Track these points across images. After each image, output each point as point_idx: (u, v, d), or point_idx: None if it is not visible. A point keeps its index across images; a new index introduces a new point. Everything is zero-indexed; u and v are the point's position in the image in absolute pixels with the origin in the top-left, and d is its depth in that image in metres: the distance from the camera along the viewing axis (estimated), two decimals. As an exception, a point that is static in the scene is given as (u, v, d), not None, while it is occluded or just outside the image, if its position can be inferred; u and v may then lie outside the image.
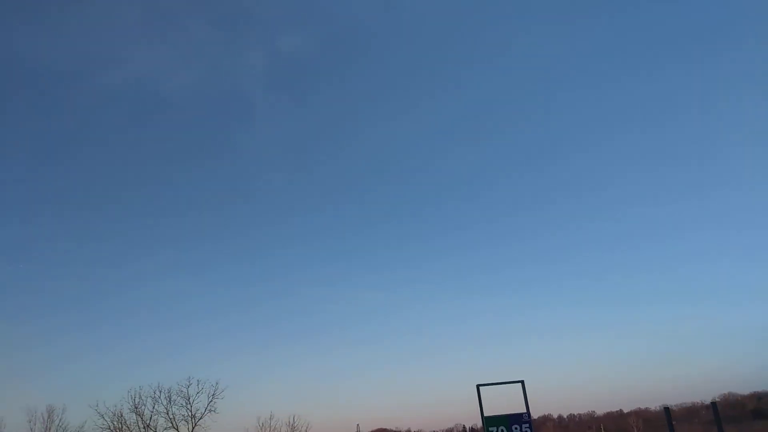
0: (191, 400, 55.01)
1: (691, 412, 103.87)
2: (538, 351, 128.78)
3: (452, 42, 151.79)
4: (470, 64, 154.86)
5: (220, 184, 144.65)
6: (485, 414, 20.22)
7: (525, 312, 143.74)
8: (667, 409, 36.24)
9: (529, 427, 20.24)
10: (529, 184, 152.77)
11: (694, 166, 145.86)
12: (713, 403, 37.35)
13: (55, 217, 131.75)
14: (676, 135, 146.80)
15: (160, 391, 55.26)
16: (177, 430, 54.53)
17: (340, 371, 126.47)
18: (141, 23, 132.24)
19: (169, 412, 54.60)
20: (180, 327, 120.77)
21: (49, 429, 58.05)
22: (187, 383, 55.38)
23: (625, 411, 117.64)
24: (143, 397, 55.52)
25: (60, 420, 58.10)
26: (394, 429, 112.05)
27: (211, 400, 54.68)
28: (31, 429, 57.93)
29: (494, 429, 19.97)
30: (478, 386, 20.49)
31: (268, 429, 68.48)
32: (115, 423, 54.37)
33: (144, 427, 54.86)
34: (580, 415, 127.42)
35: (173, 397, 55.07)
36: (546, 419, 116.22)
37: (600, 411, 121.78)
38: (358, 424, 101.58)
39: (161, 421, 54.91)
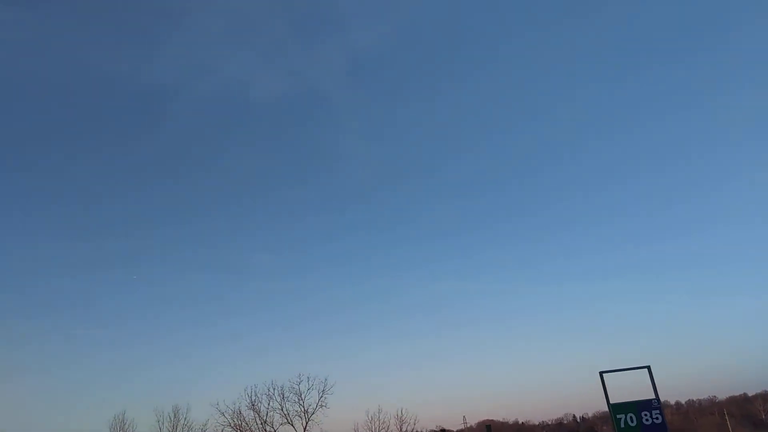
0: (303, 396, 57.17)
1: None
2: (654, 338, 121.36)
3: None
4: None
5: (320, 191, 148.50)
6: (612, 401, 19.43)
7: (628, 298, 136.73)
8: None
9: (660, 414, 19.27)
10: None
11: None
12: None
13: (173, 224, 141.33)
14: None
15: (274, 389, 57.82)
16: (292, 425, 56.89)
17: (446, 363, 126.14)
18: (227, 33, 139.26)
19: (284, 408, 57.12)
20: (290, 326, 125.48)
21: (176, 428, 62.49)
22: (298, 380, 57.79)
23: (750, 394, 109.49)
24: (258, 395, 58.54)
25: (185, 419, 62.38)
26: (501, 420, 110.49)
27: (322, 396, 56.53)
28: (160, 428, 62.67)
29: (622, 416, 19.14)
30: (601, 373, 19.73)
31: (377, 423, 69.82)
32: (235, 420, 57.65)
33: (261, 423, 57.76)
34: (700, 400, 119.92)
35: (286, 394, 57.61)
36: (663, 406, 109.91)
37: (722, 395, 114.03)
38: (464, 416, 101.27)
39: (276, 417, 57.58)
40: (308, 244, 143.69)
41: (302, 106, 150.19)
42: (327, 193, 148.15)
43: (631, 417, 19.10)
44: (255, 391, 58.26)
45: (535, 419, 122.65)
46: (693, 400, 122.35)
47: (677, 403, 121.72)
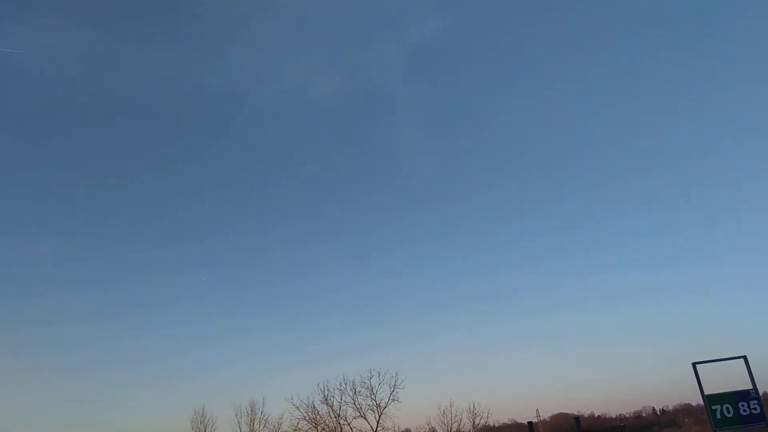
0: (374, 390, 58.13)
1: None
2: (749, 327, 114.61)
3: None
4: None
5: (384, 191, 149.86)
6: (705, 392, 18.68)
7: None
8: None
9: (758, 404, 18.41)
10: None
11: None
12: None
13: (243, 231, 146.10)
14: None
15: (346, 384, 59.17)
16: (365, 419, 57.96)
17: (519, 355, 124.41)
18: (286, 37, 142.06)
19: (356, 402, 58.29)
20: (358, 320, 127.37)
21: (253, 421, 64.86)
22: (369, 375, 58.82)
23: None
24: (331, 390, 60.03)
25: (261, 413, 64.64)
26: (575, 413, 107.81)
27: (393, 390, 57.23)
28: (238, 422, 65.15)
29: (717, 407, 18.39)
30: (694, 364, 19.05)
31: (450, 416, 69.99)
32: (309, 414, 59.35)
33: (335, 417, 59.14)
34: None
35: (358, 389, 58.75)
36: (762, 397, 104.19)
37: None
38: (537, 409, 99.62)
39: (350, 411, 58.85)
40: (377, 246, 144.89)
41: (362, 103, 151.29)
42: (392, 193, 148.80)
43: (727, 408, 18.35)
44: (327, 386, 59.86)
45: (612, 412, 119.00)
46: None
47: (764, 394, 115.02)
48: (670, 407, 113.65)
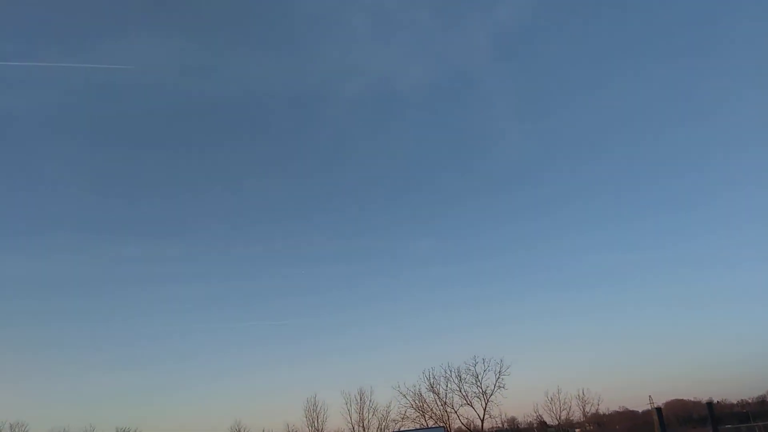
0: (479, 378, 58.09)
1: None
2: None
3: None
4: None
5: (473, 175, 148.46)
6: None
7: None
8: None
9: None
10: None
11: None
12: None
13: (326, 219, 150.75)
14: None
15: (450, 371, 59.55)
16: (472, 406, 58.08)
17: (631, 340, 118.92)
18: (371, 29, 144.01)
19: (462, 390, 58.46)
20: (463, 308, 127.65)
21: (363, 409, 66.85)
22: (474, 362, 58.68)
23: None
24: (436, 377, 60.56)
25: (370, 400, 66.48)
26: (693, 399, 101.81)
27: (498, 377, 57.04)
28: (348, 409, 67.43)
29: None
30: None
31: (558, 404, 68.66)
32: (416, 401, 60.28)
33: (442, 405, 59.67)
34: None
35: (463, 376, 58.89)
36: None
37: None
38: (650, 395, 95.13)
39: (456, 399, 59.12)
40: (467, 230, 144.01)
41: (450, 90, 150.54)
42: (481, 177, 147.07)
43: None
44: (432, 374, 60.49)
45: (732, 398, 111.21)
46: None
47: None
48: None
